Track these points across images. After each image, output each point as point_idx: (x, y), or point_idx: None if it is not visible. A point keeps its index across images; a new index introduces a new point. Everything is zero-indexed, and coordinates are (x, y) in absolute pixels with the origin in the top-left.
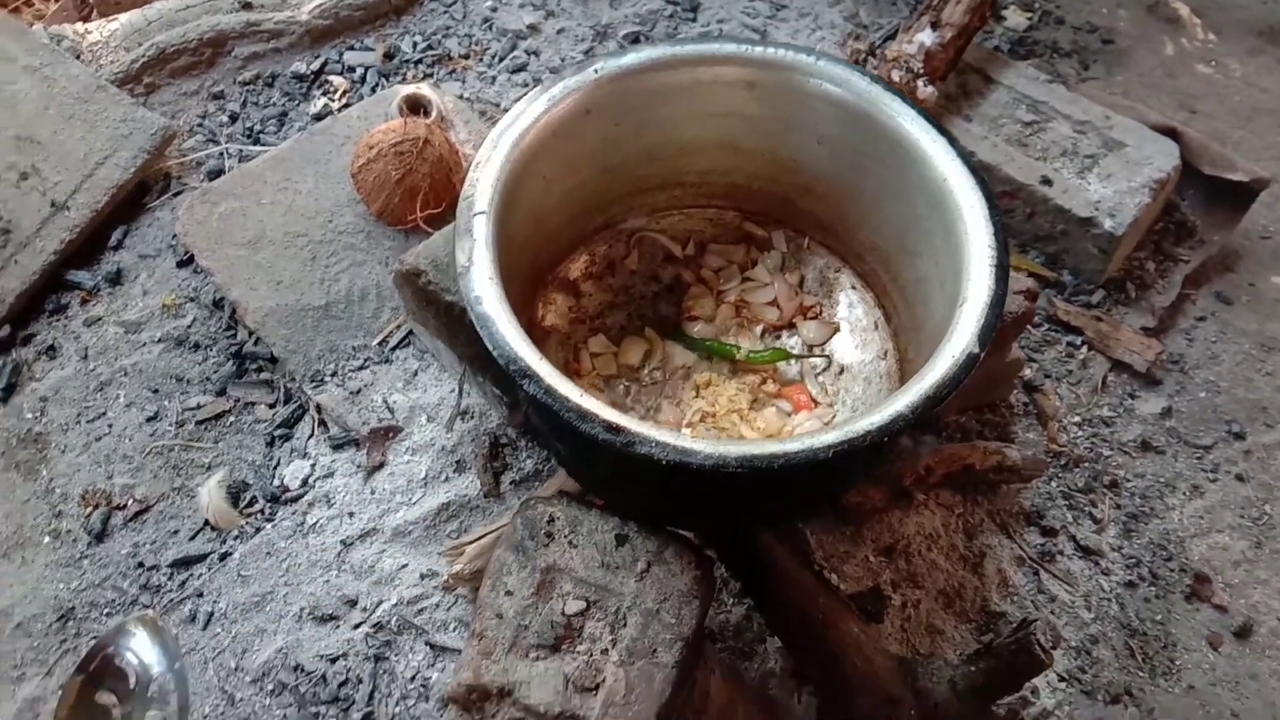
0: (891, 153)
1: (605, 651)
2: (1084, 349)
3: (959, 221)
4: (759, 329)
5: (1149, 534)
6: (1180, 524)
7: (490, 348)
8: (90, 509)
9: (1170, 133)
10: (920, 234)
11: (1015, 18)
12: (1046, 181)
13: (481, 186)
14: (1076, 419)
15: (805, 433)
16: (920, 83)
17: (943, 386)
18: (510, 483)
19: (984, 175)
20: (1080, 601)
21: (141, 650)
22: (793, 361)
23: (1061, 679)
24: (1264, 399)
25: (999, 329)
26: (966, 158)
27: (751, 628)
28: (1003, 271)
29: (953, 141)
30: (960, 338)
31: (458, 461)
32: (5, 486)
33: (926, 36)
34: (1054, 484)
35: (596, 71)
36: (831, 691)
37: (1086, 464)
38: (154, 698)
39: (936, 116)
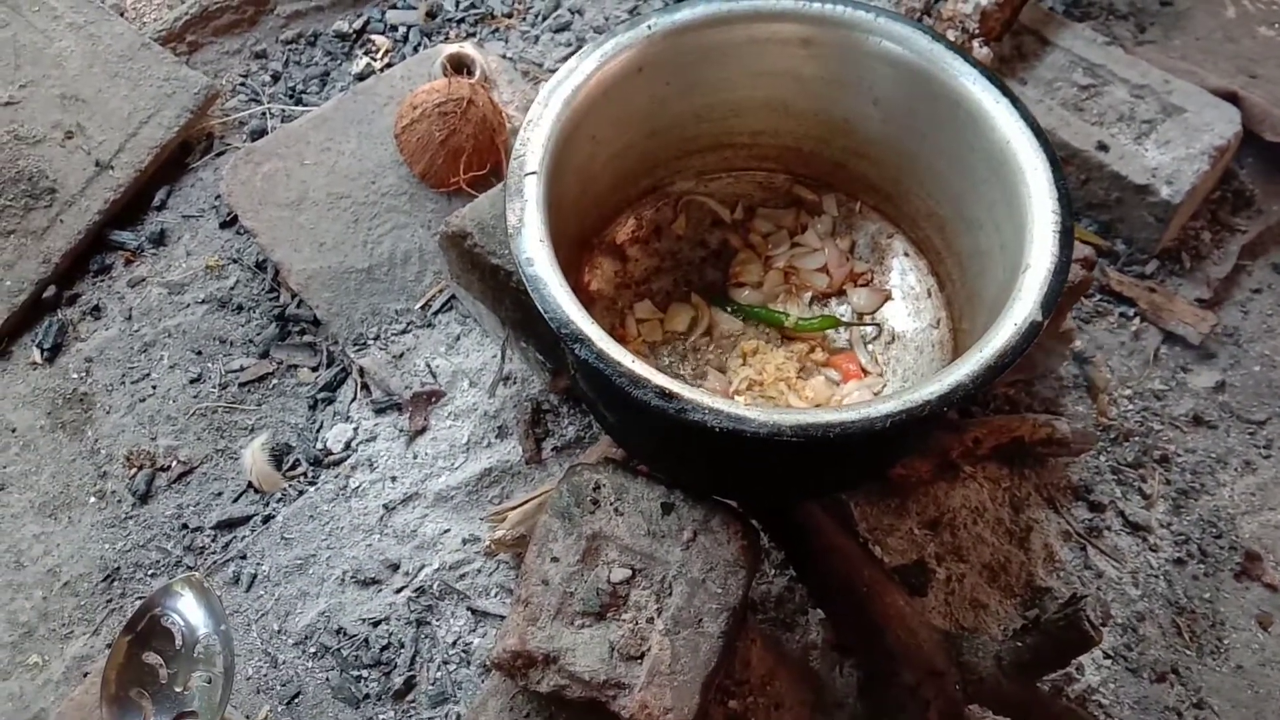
0: (951, 114)
1: (651, 620)
2: (1136, 320)
3: (1021, 185)
4: (808, 296)
5: (1199, 510)
6: (1231, 501)
7: (541, 310)
8: (135, 470)
9: (1231, 98)
10: (979, 199)
11: None
12: (1102, 147)
13: (533, 146)
14: (1127, 392)
15: (857, 402)
16: (975, 43)
17: (1005, 355)
18: (552, 449)
19: (1049, 139)
20: (1127, 578)
21: (188, 611)
22: (842, 329)
23: (1107, 656)
24: None
25: None
26: (1031, 119)
27: (794, 599)
28: (1067, 237)
29: (1016, 102)
30: (1023, 305)
31: (500, 427)
32: (51, 446)
33: None
34: (1103, 458)
35: (650, 28)
36: (874, 664)
37: (1136, 438)
38: (200, 659)
39: None
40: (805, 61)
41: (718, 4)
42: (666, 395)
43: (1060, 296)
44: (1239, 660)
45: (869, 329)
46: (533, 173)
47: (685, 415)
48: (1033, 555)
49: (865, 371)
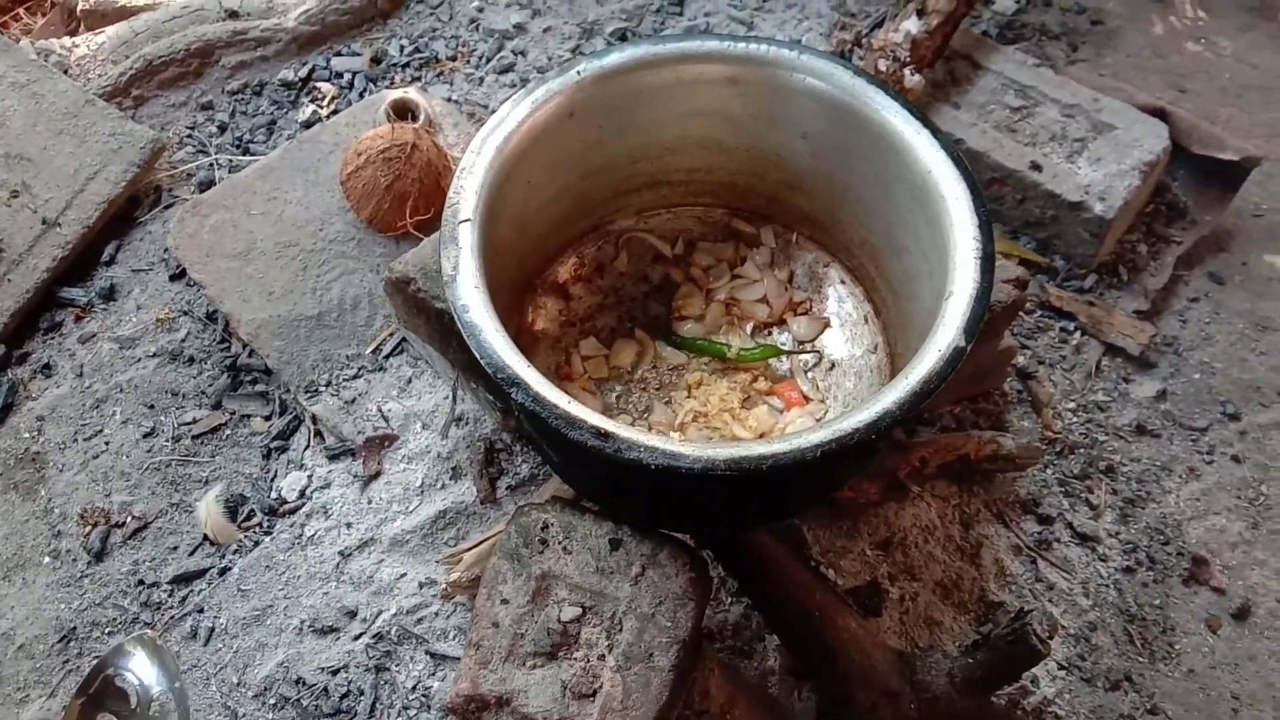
0: (875, 147)
1: (602, 657)
2: (1077, 334)
3: (944, 214)
4: (749, 326)
5: (1146, 518)
6: (1177, 507)
7: (478, 356)
8: (89, 528)
9: (1159, 113)
10: (906, 227)
11: (1003, 1)
12: (1036, 167)
13: (466, 194)
14: (1071, 405)
15: (794, 431)
16: (907, 71)
17: (929, 382)
18: (506, 488)
19: (970, 166)
20: (1078, 588)
21: (140, 670)
22: (784, 358)
23: (1061, 667)
24: (1258, 379)
25: (989, 318)
26: (952, 149)
27: (750, 626)
28: (988, 263)
29: (936, 133)
30: (946, 332)
31: (453, 468)
32: (4, 508)
33: (913, 24)
34: (1050, 471)
35: (579, 73)
36: (830, 688)
37: (1082, 450)
38: (155, 716)
39: (924, 104)
40: (733, 100)
41: (644, 47)
42: (602, 435)
43: (982, 322)
44: (1190, 664)
45: (809, 357)
46: (466, 220)
47: (621, 454)
48: (984, 570)
49: (807, 399)
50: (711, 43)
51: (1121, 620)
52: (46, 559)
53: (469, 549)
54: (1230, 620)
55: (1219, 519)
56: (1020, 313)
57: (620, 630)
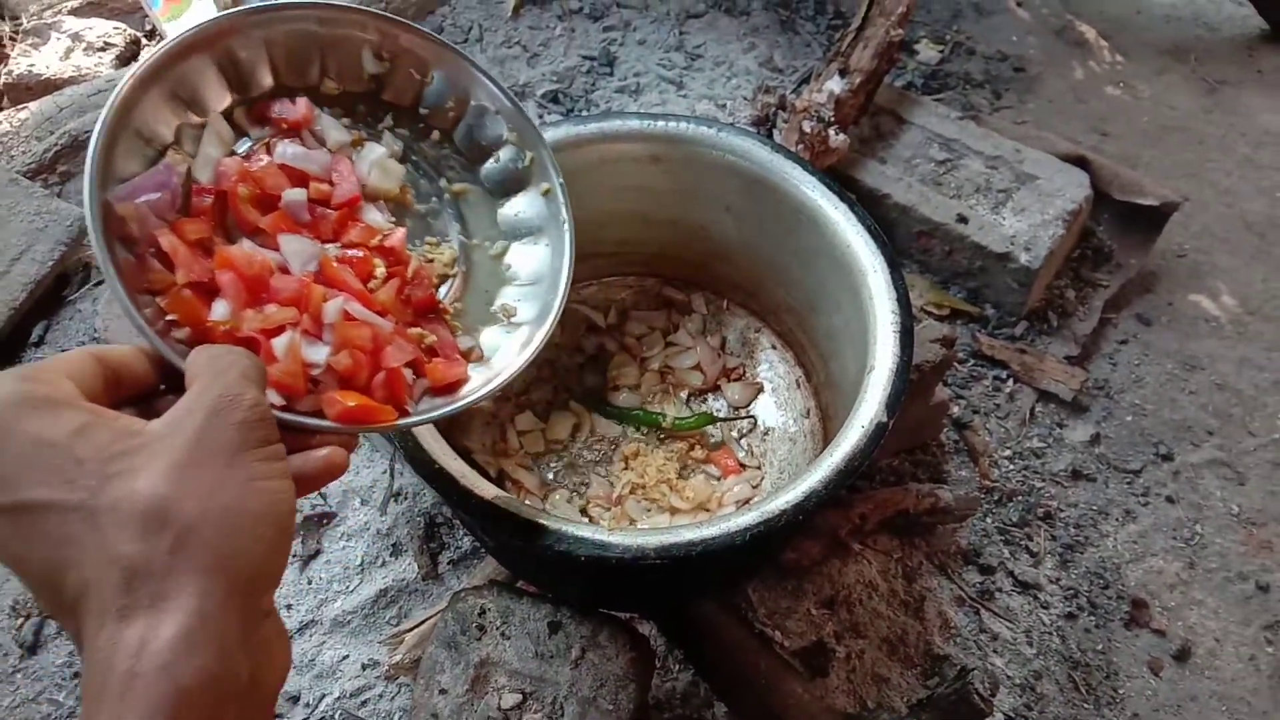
0: (795, 219)
1: None
2: (1010, 382)
3: (863, 287)
4: (684, 394)
5: (1085, 563)
6: (1115, 550)
7: (401, 447)
8: (21, 619)
9: (1080, 161)
10: (829, 296)
11: (927, 52)
12: (962, 219)
13: None
14: (1007, 453)
15: (723, 515)
16: (831, 131)
17: (854, 458)
18: (448, 562)
19: (887, 239)
20: (1022, 637)
21: None
22: (719, 425)
23: (1009, 718)
24: (1189, 418)
25: (921, 378)
26: (869, 221)
27: (699, 694)
28: (907, 336)
29: (854, 207)
30: (868, 407)
31: (394, 545)
32: None
33: (836, 84)
34: (989, 520)
35: None
36: None
37: (1020, 497)
38: None
39: (851, 161)
40: (658, 176)
41: (566, 128)
42: (532, 528)
43: (903, 396)
44: (1134, 708)
45: (744, 423)
46: None
47: (551, 547)
48: (929, 624)
49: (743, 466)
50: (632, 122)
51: (1065, 667)
52: None
53: (411, 629)
54: (1171, 661)
55: (1156, 560)
56: (950, 367)
57: (562, 716)
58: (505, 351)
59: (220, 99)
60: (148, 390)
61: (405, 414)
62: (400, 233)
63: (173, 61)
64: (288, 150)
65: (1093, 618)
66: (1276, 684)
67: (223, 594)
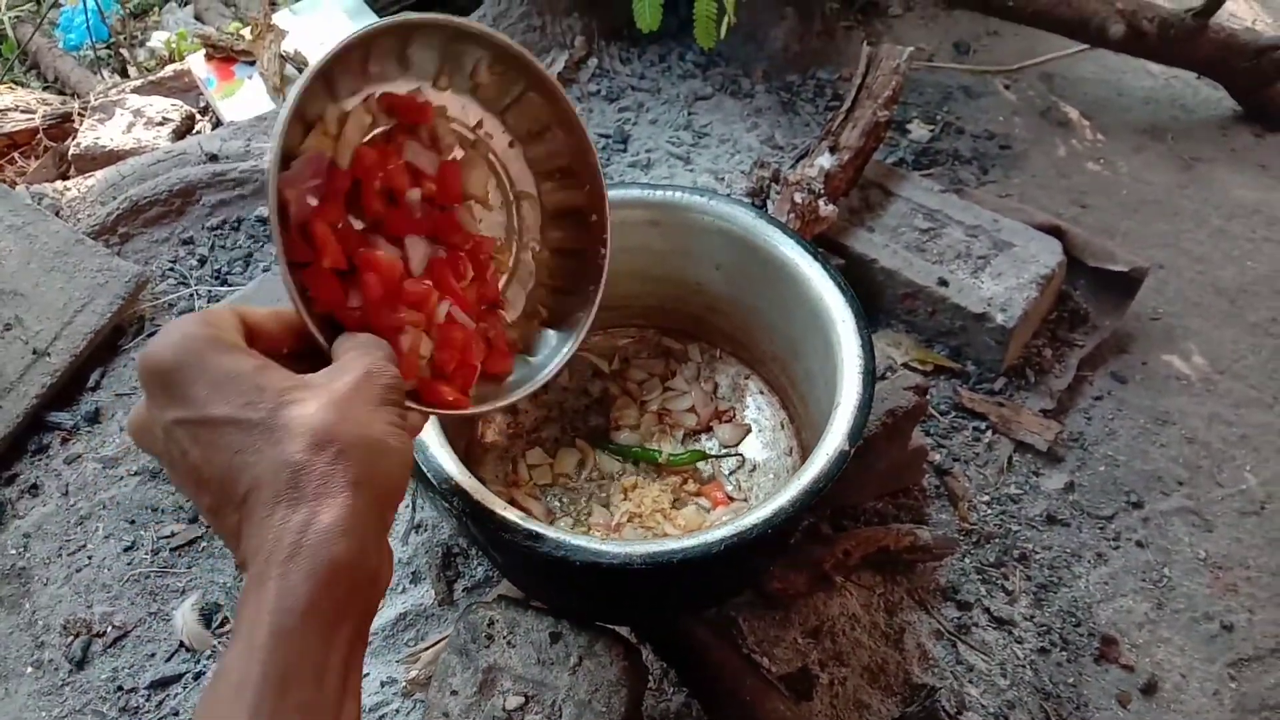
0: (776, 276)
1: None
2: (989, 433)
3: (833, 333)
4: (680, 433)
5: (1058, 602)
6: (1087, 591)
7: (423, 469)
8: (71, 638)
9: (1055, 231)
10: (806, 344)
11: (919, 130)
12: (943, 283)
13: None
14: (985, 498)
15: (703, 530)
16: (821, 202)
17: (819, 481)
18: (463, 589)
19: (855, 294)
20: (996, 669)
21: None
22: (710, 462)
23: None
24: (1159, 469)
25: (894, 422)
26: (839, 278)
27: (690, 714)
28: (869, 377)
29: (826, 265)
30: (834, 438)
31: (413, 573)
32: None
33: (826, 160)
34: (967, 560)
35: None
36: None
37: (997, 539)
38: None
39: (841, 229)
40: (655, 238)
41: None
42: (533, 537)
43: (864, 428)
44: None
45: (732, 460)
46: None
47: (550, 553)
48: (908, 655)
49: (731, 498)
50: (635, 191)
51: (1038, 698)
52: (29, 669)
53: (427, 648)
54: (1139, 695)
55: (1126, 600)
56: (931, 415)
57: (560, 717)
58: (542, 347)
59: (361, 89)
60: (273, 351)
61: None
62: (490, 240)
63: (337, 58)
64: (417, 153)
65: (1064, 653)
66: (1239, 717)
67: (366, 501)
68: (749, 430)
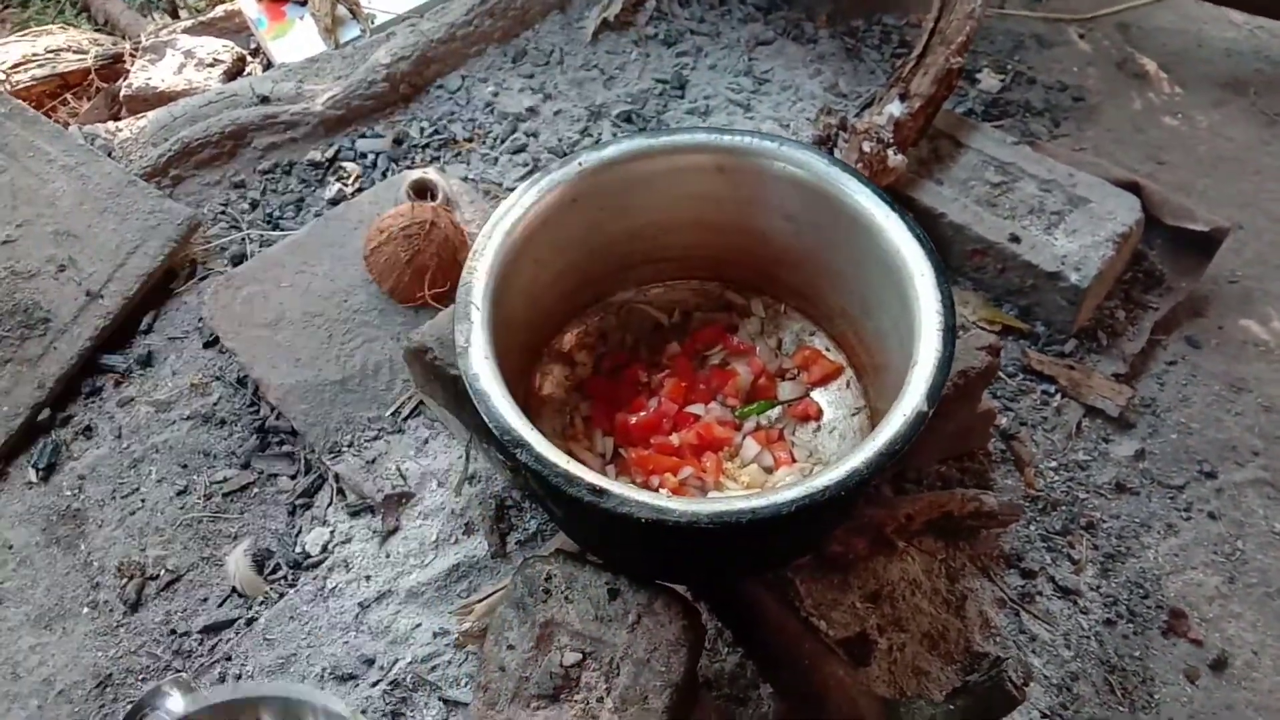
0: (850, 227)
1: (601, 700)
2: (1058, 397)
3: (911, 289)
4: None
5: (1126, 573)
6: (1156, 562)
7: (486, 420)
8: (126, 580)
9: (1132, 187)
10: (878, 300)
11: (989, 80)
12: (1015, 239)
13: (478, 274)
14: (1053, 464)
15: (772, 489)
16: (890, 152)
17: (895, 443)
18: (516, 543)
19: (934, 246)
20: (1060, 640)
21: (176, 709)
22: (774, 418)
23: (1044, 715)
24: (1234, 438)
25: (966, 383)
26: (918, 230)
27: (745, 675)
28: (949, 335)
29: (904, 215)
30: (911, 398)
31: (466, 524)
32: (46, 561)
33: (895, 108)
34: (1032, 527)
35: (580, 164)
36: None
37: (1063, 507)
38: None
39: (909, 181)
40: (722, 185)
41: (640, 140)
42: (597, 491)
43: (943, 388)
44: (1170, 714)
45: (796, 421)
46: (477, 298)
47: (614, 509)
48: (969, 622)
49: (794, 458)
50: (700, 135)
51: (1102, 671)
52: (85, 609)
53: (480, 600)
54: (1208, 671)
55: (1196, 573)
56: (998, 377)
57: (618, 674)
58: None
59: None
60: None
61: None
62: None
63: None
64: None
65: (1131, 625)
66: None
67: None
68: (812, 388)
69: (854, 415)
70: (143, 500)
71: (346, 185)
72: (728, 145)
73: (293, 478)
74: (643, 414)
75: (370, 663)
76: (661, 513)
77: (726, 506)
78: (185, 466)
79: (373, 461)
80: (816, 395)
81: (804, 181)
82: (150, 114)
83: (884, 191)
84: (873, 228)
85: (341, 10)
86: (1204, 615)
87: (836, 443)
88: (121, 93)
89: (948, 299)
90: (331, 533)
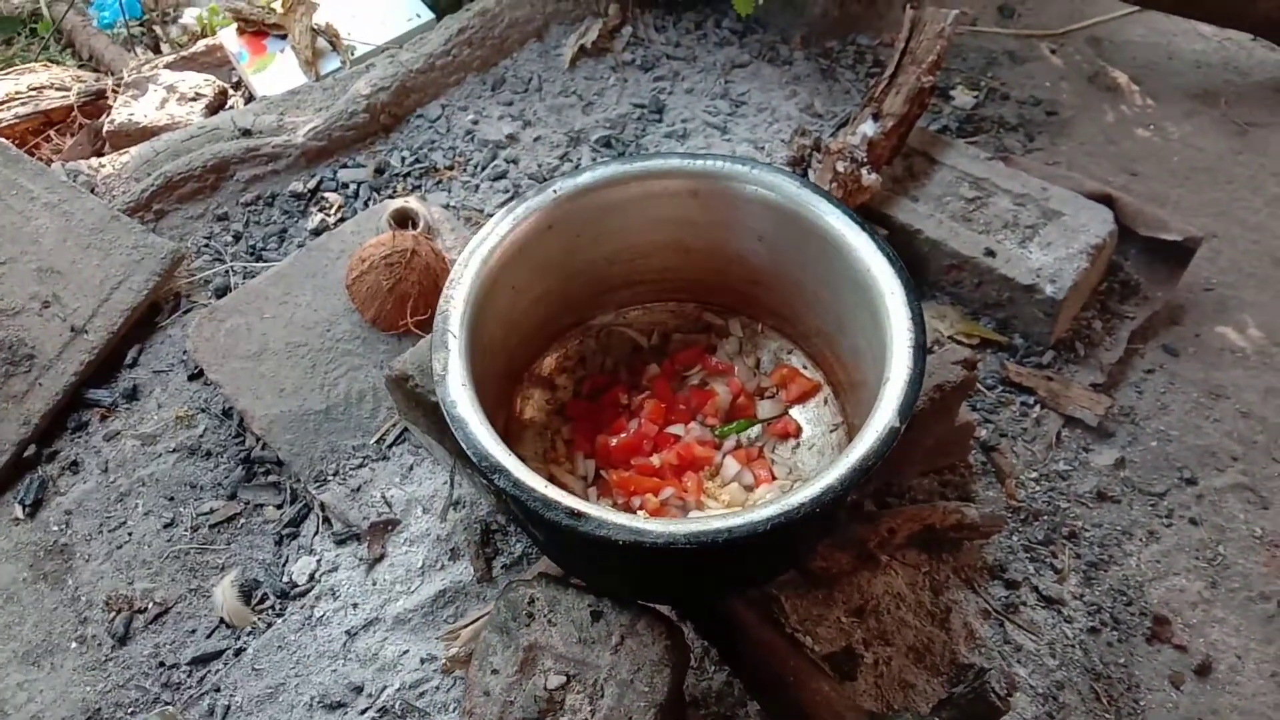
0: (821, 247)
1: None
2: (1037, 408)
3: (881, 307)
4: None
5: (1109, 581)
6: (1138, 569)
7: (464, 446)
8: (114, 614)
9: (1105, 199)
10: (852, 318)
11: (963, 97)
12: (990, 253)
13: (455, 302)
14: (1033, 474)
15: (748, 509)
16: (864, 171)
17: (869, 458)
18: (502, 567)
19: (905, 264)
20: (1045, 649)
21: None
22: (754, 438)
23: None
24: (1213, 444)
25: (942, 398)
26: (888, 249)
27: (732, 693)
28: (920, 351)
29: (874, 234)
30: (883, 414)
31: (452, 549)
32: (34, 597)
33: (869, 127)
34: (1015, 538)
35: (555, 191)
36: None
37: (1045, 517)
38: None
39: (885, 199)
40: (696, 209)
41: (615, 166)
42: (575, 515)
43: (914, 404)
44: None
45: (775, 439)
46: (454, 325)
47: (592, 532)
48: (954, 634)
49: (774, 476)
50: (673, 160)
51: (1088, 679)
52: (73, 644)
53: (466, 626)
54: (1193, 676)
55: (1179, 579)
56: (977, 389)
57: (602, 696)
58: None
59: None
60: None
61: None
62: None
63: None
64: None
65: (1115, 632)
66: None
67: None
68: (790, 406)
69: (832, 431)
70: (129, 534)
71: (329, 215)
72: (700, 170)
73: (279, 507)
74: (623, 435)
75: (359, 690)
76: (639, 534)
77: (703, 526)
78: (172, 499)
79: (358, 489)
80: (795, 413)
81: (775, 204)
82: (133, 149)
83: (854, 211)
84: (843, 247)
85: (321, 43)
86: (1187, 621)
87: (816, 459)
88: (104, 129)
89: (918, 316)
90: (318, 561)
